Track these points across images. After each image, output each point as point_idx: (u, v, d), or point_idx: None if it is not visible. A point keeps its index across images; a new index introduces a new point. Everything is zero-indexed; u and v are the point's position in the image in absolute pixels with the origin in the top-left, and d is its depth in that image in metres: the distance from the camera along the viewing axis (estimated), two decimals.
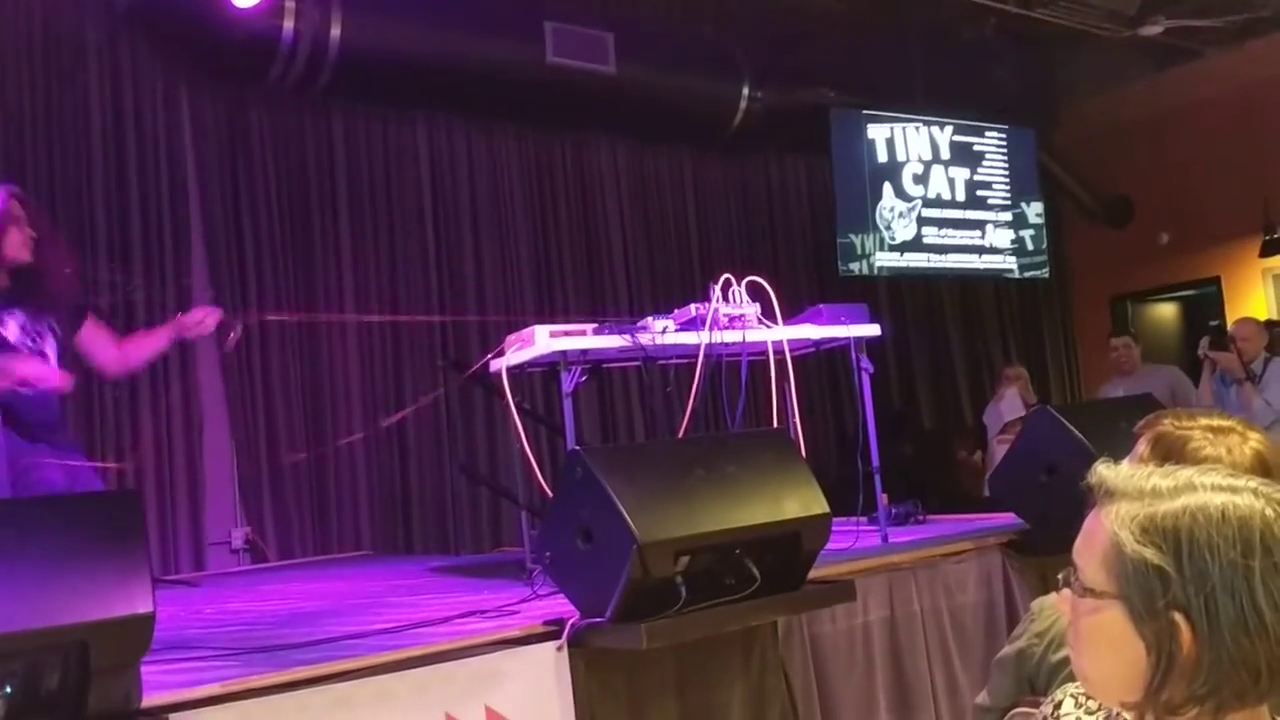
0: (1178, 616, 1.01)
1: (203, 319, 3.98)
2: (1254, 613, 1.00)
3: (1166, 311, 9.64)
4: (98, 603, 1.99)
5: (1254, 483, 1.06)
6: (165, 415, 5.62)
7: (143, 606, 2.02)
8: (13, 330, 3.57)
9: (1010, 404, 6.85)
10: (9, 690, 1.93)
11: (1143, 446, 2.01)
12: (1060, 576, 1.14)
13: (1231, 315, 8.35)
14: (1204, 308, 8.95)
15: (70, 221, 5.44)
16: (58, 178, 5.45)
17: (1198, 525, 1.02)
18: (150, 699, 2.17)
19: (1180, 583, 1.01)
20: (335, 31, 5.69)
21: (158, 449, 5.58)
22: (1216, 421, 1.92)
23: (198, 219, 5.89)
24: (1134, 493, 1.08)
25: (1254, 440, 1.85)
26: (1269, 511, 1.03)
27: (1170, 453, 1.92)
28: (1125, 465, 1.15)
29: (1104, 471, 1.12)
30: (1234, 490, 1.05)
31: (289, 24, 5.59)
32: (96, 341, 3.90)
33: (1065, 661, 1.17)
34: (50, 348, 3.66)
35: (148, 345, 4.06)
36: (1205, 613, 1.00)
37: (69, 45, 5.56)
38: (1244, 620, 1.00)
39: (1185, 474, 1.08)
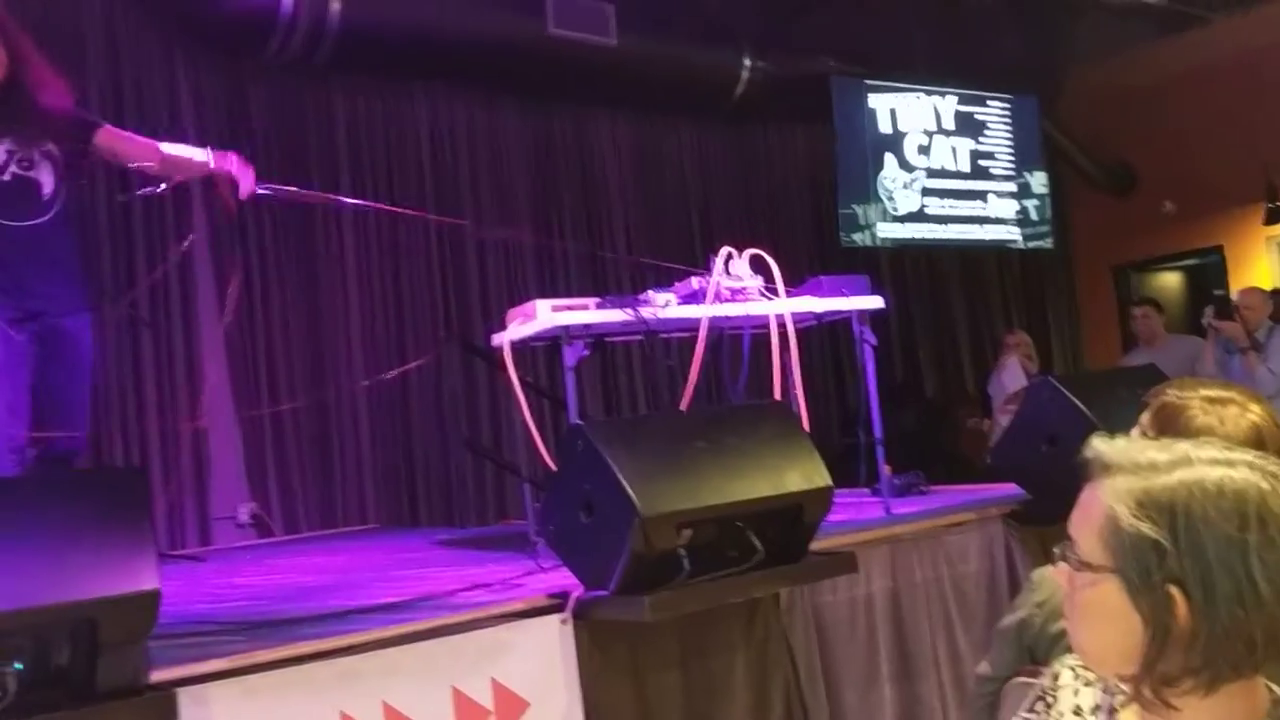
0: (1174, 590, 1.02)
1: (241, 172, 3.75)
2: (1249, 585, 1.01)
3: (1170, 280, 9.62)
4: (105, 579, 2.00)
5: (1250, 456, 1.07)
6: (170, 390, 5.64)
7: (149, 583, 2.04)
8: None
9: (1012, 374, 6.85)
10: (19, 666, 1.95)
11: (1145, 416, 2.02)
12: (1056, 550, 1.15)
13: (1235, 284, 8.33)
14: (1208, 276, 8.93)
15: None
16: None
17: (1194, 499, 1.03)
18: (158, 674, 2.19)
19: (1176, 556, 1.02)
20: (335, 4, 5.66)
21: (162, 424, 5.60)
22: (1217, 392, 1.92)
23: (198, 194, 5.87)
24: (1130, 466, 1.08)
25: (1255, 413, 1.85)
26: (1264, 485, 1.03)
27: (1168, 422, 1.93)
28: (1122, 439, 1.15)
29: (1100, 445, 1.13)
30: (1230, 464, 1.05)
31: None
32: (119, 139, 3.70)
33: (1064, 632, 1.19)
34: (46, 174, 3.37)
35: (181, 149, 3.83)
36: (1201, 585, 1.01)
37: (67, 19, 5.53)
38: (1239, 593, 1.01)
39: (1181, 448, 1.09)
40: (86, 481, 2.40)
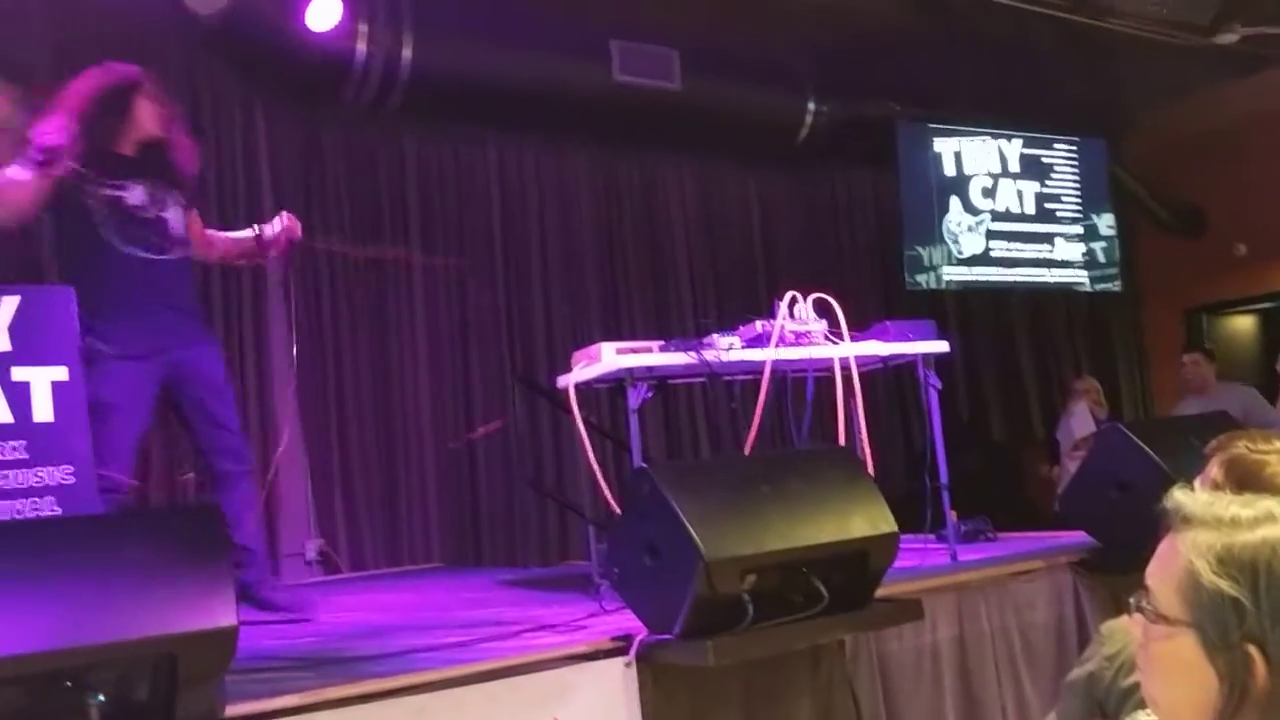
0: (1252, 649, 1.01)
1: (287, 228, 4.12)
2: None
3: (1243, 324, 9.42)
4: (184, 615, 2.06)
5: None
6: (242, 428, 5.75)
7: (226, 620, 2.10)
8: (137, 195, 3.75)
9: (1080, 419, 6.75)
10: (101, 698, 2.01)
11: (1215, 469, 1.99)
12: (1131, 599, 1.14)
13: None
14: None
15: None
16: None
17: (1276, 558, 1.02)
18: (233, 708, 2.24)
19: (1256, 615, 1.01)
20: (406, 53, 5.81)
21: None
22: None
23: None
24: (1212, 521, 1.07)
25: None
26: None
27: (1246, 478, 1.90)
28: (1203, 491, 1.14)
29: (1181, 497, 1.12)
30: None
31: (362, 46, 5.71)
32: (192, 227, 4.03)
33: (1136, 687, 1.17)
34: (174, 216, 3.82)
35: (230, 237, 4.23)
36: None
37: (151, 68, 5.72)
38: None
39: (1265, 504, 1.08)
40: (166, 519, 2.47)
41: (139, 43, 5.68)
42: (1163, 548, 1.11)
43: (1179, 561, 1.07)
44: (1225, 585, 1.03)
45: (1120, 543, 3.59)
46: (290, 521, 5.88)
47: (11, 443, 3.26)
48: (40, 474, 3.27)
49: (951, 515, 4.18)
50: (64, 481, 3.32)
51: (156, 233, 3.75)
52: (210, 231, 4.21)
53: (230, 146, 5.92)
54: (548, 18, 6.65)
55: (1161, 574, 1.09)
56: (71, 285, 3.50)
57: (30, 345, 3.34)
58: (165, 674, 2.05)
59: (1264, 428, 4.18)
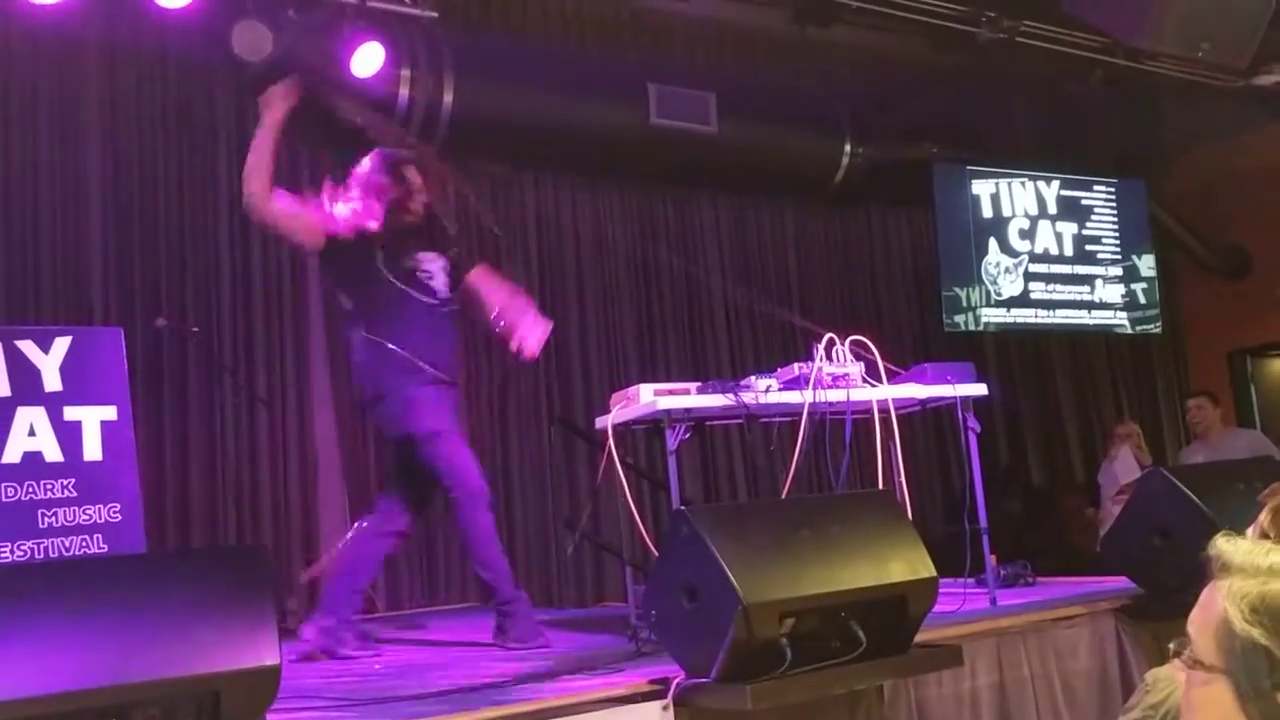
0: None
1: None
2: None
3: None
4: (229, 653, 2.09)
5: None
6: (283, 465, 5.82)
7: (270, 658, 2.12)
8: (416, 256, 4.22)
9: (1125, 465, 6.68)
10: None
11: (1264, 516, 1.97)
12: (1172, 645, 1.15)
13: None
14: None
15: (197, 280, 5.72)
16: (188, 239, 5.74)
17: None
18: None
19: None
20: (448, 98, 5.90)
21: (274, 497, 5.78)
22: None
23: (316, 278, 6.11)
24: (1250, 569, 1.08)
25: None
26: None
27: None
28: (1246, 539, 1.15)
29: (1223, 544, 1.12)
30: None
31: (405, 91, 5.82)
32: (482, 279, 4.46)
33: None
34: (439, 271, 4.28)
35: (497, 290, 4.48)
36: None
37: (199, 114, 5.87)
38: None
39: None
40: (211, 558, 2.51)
41: (187, 88, 5.84)
42: (1204, 595, 1.11)
43: (1216, 609, 1.07)
44: (1257, 634, 1.03)
45: (1163, 589, 3.54)
46: (329, 557, 5.92)
47: (61, 481, 3.33)
48: (89, 511, 3.33)
49: (991, 559, 4.14)
50: (111, 519, 3.38)
51: (426, 288, 4.20)
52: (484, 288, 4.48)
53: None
54: (586, 61, 6.75)
55: (1201, 621, 1.10)
56: (372, 322, 4.08)
57: (81, 385, 3.42)
58: (209, 712, 2.07)
59: None
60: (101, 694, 1.99)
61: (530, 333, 4.28)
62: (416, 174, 4.29)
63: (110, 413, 3.49)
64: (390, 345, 4.03)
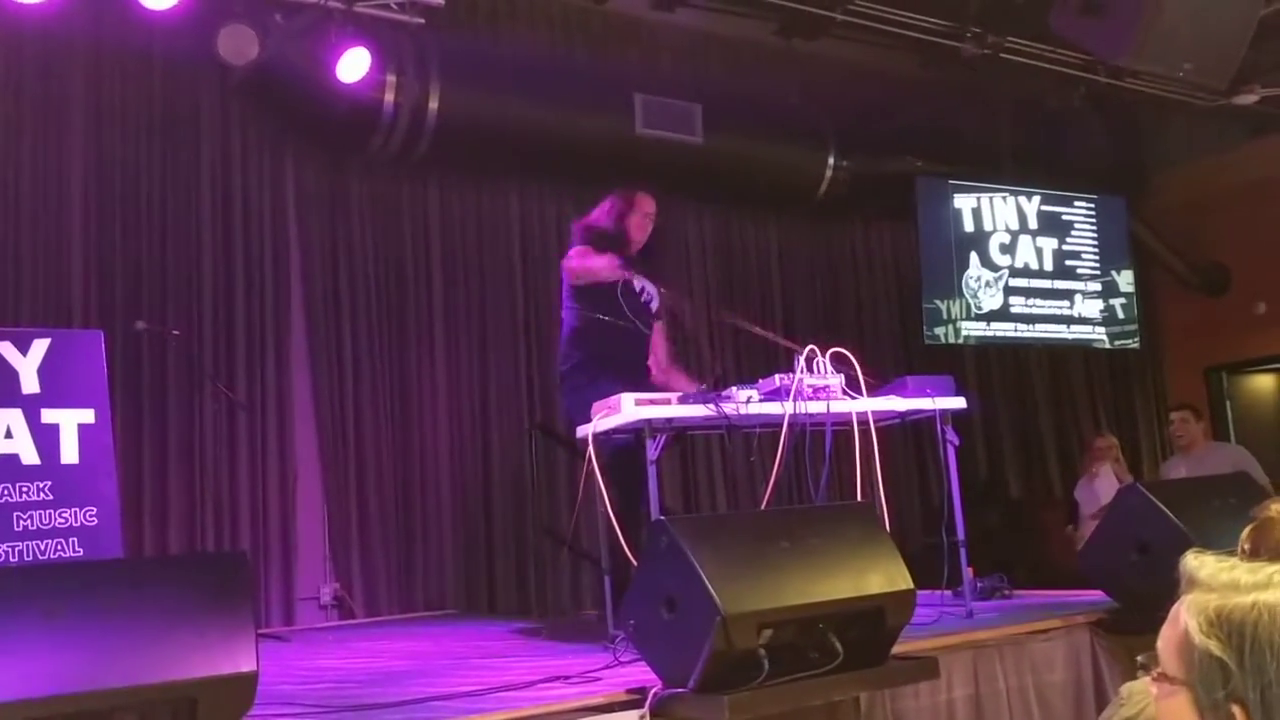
0: (1235, 709, 1.04)
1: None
2: None
3: (1265, 383, 9.38)
4: (206, 660, 2.08)
5: None
6: (262, 471, 5.80)
7: (247, 665, 2.12)
8: (638, 282, 4.65)
9: (1106, 483, 6.68)
10: None
11: (1244, 533, 2.00)
12: (1140, 659, 1.18)
13: None
14: None
15: (179, 283, 5.70)
16: (169, 242, 5.72)
17: (1263, 622, 1.05)
18: None
19: (1241, 676, 1.04)
20: (433, 104, 5.91)
21: (253, 503, 5.75)
22: None
23: (299, 283, 6.11)
24: (1213, 584, 1.11)
25: None
26: None
27: (1264, 537, 1.91)
28: (1213, 556, 1.17)
29: (1190, 561, 1.15)
30: None
31: (390, 97, 5.82)
32: (658, 340, 4.79)
33: None
34: (655, 304, 4.71)
35: (681, 382, 4.61)
36: (1261, 708, 1.03)
37: (184, 118, 5.86)
38: None
39: (1269, 570, 1.10)
40: (189, 564, 2.50)
41: (172, 90, 5.82)
42: (1172, 610, 1.14)
43: (1180, 622, 1.10)
44: (1214, 646, 1.06)
45: (1139, 603, 3.57)
46: (306, 566, 5.90)
47: (38, 484, 3.31)
48: (65, 515, 3.32)
49: (969, 572, 4.16)
50: (88, 523, 3.36)
51: (647, 311, 4.66)
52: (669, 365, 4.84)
53: (259, 194, 6.02)
54: (572, 70, 6.76)
55: (1167, 635, 1.13)
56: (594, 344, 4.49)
57: (59, 388, 3.40)
58: (185, 717, 2.06)
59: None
60: (77, 700, 1.98)
61: None
62: None
63: (88, 416, 3.48)
64: None
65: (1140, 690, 2.13)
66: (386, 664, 4.03)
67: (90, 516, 3.43)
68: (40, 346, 3.50)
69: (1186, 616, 1.09)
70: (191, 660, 2.06)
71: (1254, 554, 1.85)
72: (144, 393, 5.49)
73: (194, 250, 5.79)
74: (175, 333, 5.38)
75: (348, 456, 6.04)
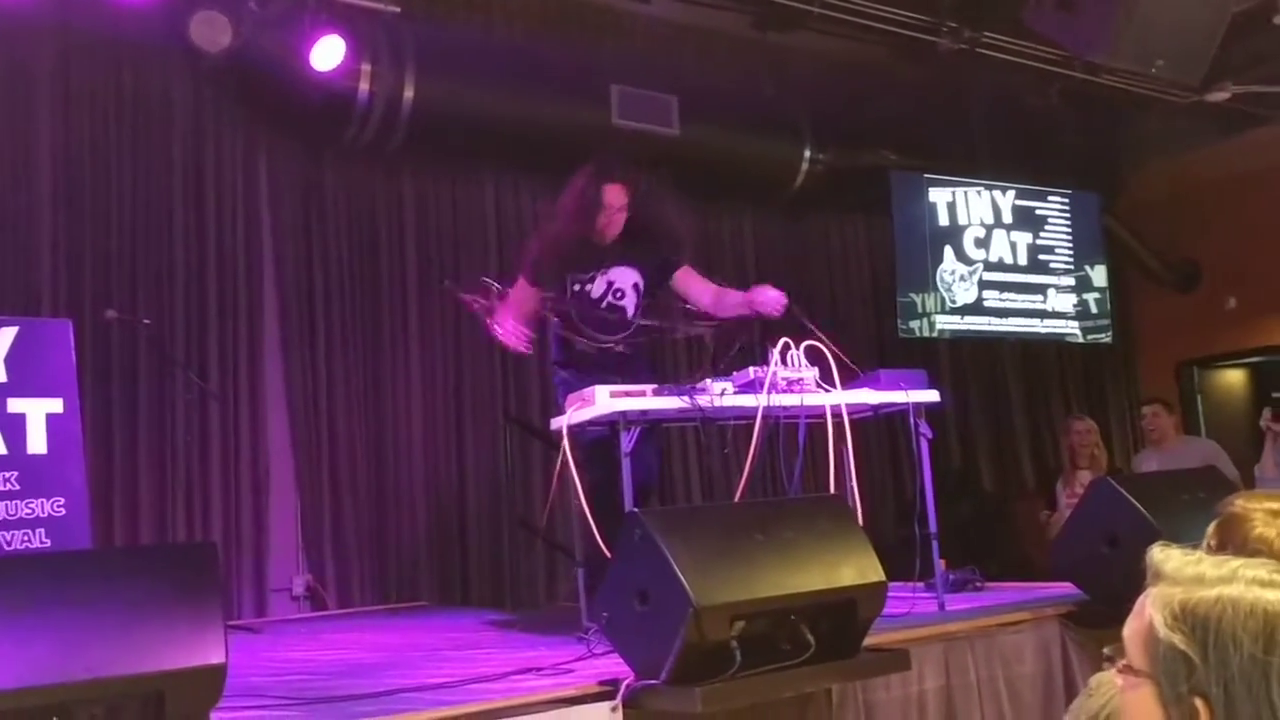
0: (1199, 703, 1.05)
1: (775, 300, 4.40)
2: (1268, 707, 1.02)
3: (1234, 378, 9.47)
4: (174, 652, 2.07)
5: None
6: (234, 462, 5.76)
7: (216, 657, 2.10)
8: (598, 288, 4.43)
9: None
10: None
11: (1211, 527, 2.01)
12: (1106, 651, 1.18)
13: None
14: (1274, 376, 8.78)
15: (149, 272, 5.65)
16: (140, 231, 5.66)
17: (1225, 616, 1.06)
18: None
19: (1204, 670, 1.05)
20: (408, 94, 5.87)
21: (225, 494, 5.72)
22: None
23: (271, 273, 6.07)
24: (1178, 578, 1.11)
25: None
26: None
27: (1230, 532, 1.92)
28: (1179, 550, 1.18)
29: (1157, 554, 1.16)
30: (1271, 585, 1.08)
31: (365, 86, 5.78)
32: (692, 285, 4.58)
33: None
34: (629, 303, 4.47)
35: (733, 302, 4.54)
36: (1224, 702, 1.03)
37: (155, 104, 5.80)
38: (1258, 715, 1.02)
39: (1233, 564, 1.11)
40: (158, 556, 2.48)
41: (144, 77, 5.76)
42: (1138, 603, 1.14)
43: (1146, 615, 1.10)
44: (1177, 639, 1.07)
45: (1109, 596, 3.59)
46: (279, 557, 5.87)
47: (4, 474, 3.27)
48: (32, 505, 3.28)
49: (941, 565, 4.18)
50: (55, 514, 3.33)
51: (611, 322, 4.45)
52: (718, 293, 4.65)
53: (231, 182, 5.97)
54: (549, 60, 6.73)
55: (1133, 628, 1.14)
56: None
57: (27, 377, 3.36)
58: (153, 711, 2.05)
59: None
60: (44, 693, 1.96)
61: None
62: None
63: (57, 405, 3.44)
64: None
65: (1109, 682, 2.15)
66: (358, 656, 4.01)
67: (58, 507, 3.40)
68: (7, 335, 3.45)
69: (1152, 610, 1.10)
70: (159, 653, 2.04)
71: (1220, 548, 1.87)
72: (114, 382, 5.44)
73: (165, 239, 5.74)
74: (146, 322, 5.33)
75: (321, 447, 6.01)
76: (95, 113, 5.65)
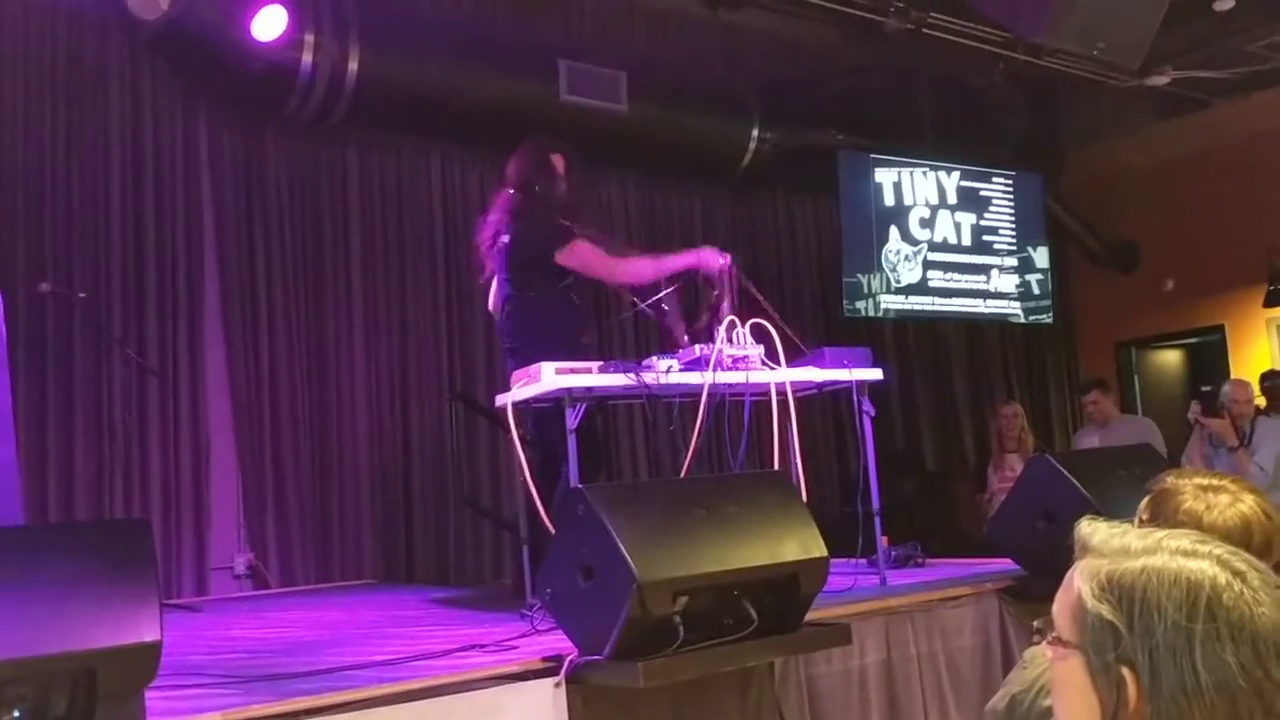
0: (1125, 672, 1.07)
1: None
2: (1192, 675, 1.04)
3: (1171, 358, 9.67)
4: (107, 630, 2.03)
5: (1219, 549, 1.10)
6: (174, 439, 5.67)
7: (150, 635, 2.06)
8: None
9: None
10: (18, 714, 1.97)
11: (1143, 504, 2.05)
12: (1036, 624, 1.20)
13: (1235, 364, 8.39)
14: (1209, 356, 8.98)
15: (86, 245, 5.53)
16: (75, 201, 5.54)
17: (1150, 586, 1.08)
18: None
19: (1130, 639, 1.07)
20: (353, 65, 5.78)
21: (164, 472, 5.63)
22: (1211, 480, 1.95)
23: (212, 246, 5.96)
24: (1105, 550, 1.13)
25: (1246, 503, 1.86)
26: (1222, 579, 1.07)
27: (1161, 507, 1.96)
28: (1105, 523, 1.19)
29: (1085, 528, 1.18)
30: (1194, 555, 1.09)
31: (308, 57, 5.68)
32: (587, 254, 4.45)
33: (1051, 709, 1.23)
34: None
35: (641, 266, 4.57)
36: (1149, 670, 1.05)
37: (91, 72, 5.66)
38: (1183, 681, 1.05)
39: (1157, 536, 1.13)
40: (91, 532, 2.43)
41: (79, 44, 5.62)
42: (1067, 576, 1.16)
43: (1074, 588, 1.12)
44: (1104, 610, 1.08)
45: (1046, 571, 3.65)
46: (220, 535, 5.80)
47: None
48: None
49: (883, 541, 4.23)
50: None
51: None
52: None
53: (170, 154, 5.85)
54: (497, 34, 6.67)
55: (1061, 601, 1.16)
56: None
57: None
58: (84, 689, 2.01)
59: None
60: None
61: None
62: None
63: None
64: None
65: (1042, 654, 2.19)
66: (300, 633, 3.98)
67: None
68: None
69: (1079, 582, 1.12)
70: (90, 631, 2.00)
71: (1151, 522, 1.90)
72: (48, 357, 5.33)
73: (102, 210, 5.62)
74: (82, 295, 5.22)
75: (263, 424, 5.93)
76: (29, 80, 5.50)
